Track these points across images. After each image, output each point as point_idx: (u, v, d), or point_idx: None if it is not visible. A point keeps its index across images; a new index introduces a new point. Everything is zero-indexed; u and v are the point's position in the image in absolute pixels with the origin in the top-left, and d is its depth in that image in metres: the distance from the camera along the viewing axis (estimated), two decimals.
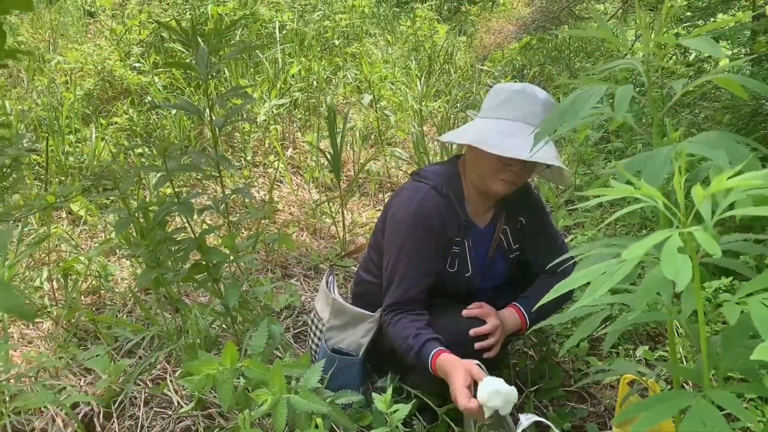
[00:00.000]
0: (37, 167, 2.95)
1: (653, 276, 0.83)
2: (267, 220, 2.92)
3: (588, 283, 0.80)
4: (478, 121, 1.58)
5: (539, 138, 1.00)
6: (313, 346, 1.80)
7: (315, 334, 1.80)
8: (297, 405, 1.28)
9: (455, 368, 1.37)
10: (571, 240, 2.47)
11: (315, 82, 4.15)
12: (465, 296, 1.64)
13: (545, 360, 1.89)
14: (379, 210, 3.24)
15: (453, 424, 1.55)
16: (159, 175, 1.56)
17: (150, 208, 1.72)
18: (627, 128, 3.04)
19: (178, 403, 1.65)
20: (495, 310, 1.57)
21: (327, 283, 1.82)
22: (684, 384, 1.66)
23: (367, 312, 1.69)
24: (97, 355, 1.32)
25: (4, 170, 1.08)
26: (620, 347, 1.92)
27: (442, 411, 1.54)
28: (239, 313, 1.86)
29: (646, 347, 1.88)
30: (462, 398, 1.31)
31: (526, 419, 1.24)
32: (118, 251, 2.44)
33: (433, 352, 1.44)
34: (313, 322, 1.82)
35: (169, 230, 1.76)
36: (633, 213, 2.45)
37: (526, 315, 1.61)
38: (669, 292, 0.88)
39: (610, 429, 1.68)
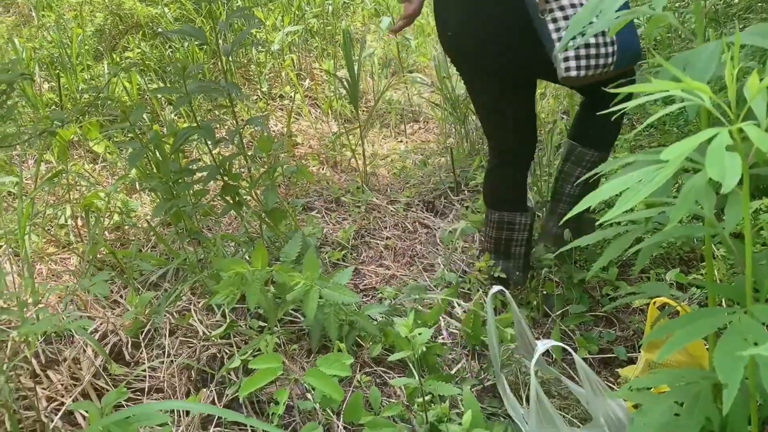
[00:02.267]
0: (53, 106, 2.92)
1: (694, 183, 0.75)
2: (286, 154, 2.87)
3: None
4: None
5: (568, 36, 0.90)
6: None
7: None
8: (328, 296, 1.27)
9: None
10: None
11: (330, 7, 3.96)
12: None
13: (572, 285, 1.85)
14: (401, 141, 3.16)
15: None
16: (177, 96, 1.50)
17: (164, 140, 1.68)
18: (665, 45, 2.84)
19: (203, 332, 1.67)
20: None
21: None
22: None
23: None
24: (105, 281, 1.31)
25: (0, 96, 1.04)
26: (651, 271, 1.86)
27: None
28: (272, 227, 1.84)
29: (678, 270, 1.82)
30: None
31: (543, 344, 1.21)
32: (137, 187, 2.43)
33: None
34: None
35: (185, 163, 1.73)
36: (669, 133, 2.33)
37: None
38: (711, 201, 0.81)
39: (639, 352, 1.66)
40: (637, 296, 1.28)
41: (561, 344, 1.16)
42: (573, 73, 1.46)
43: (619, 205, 0.71)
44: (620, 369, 1.59)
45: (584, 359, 1.47)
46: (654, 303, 1.40)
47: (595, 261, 1.92)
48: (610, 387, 1.36)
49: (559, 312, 1.76)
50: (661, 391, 1.13)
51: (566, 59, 1.46)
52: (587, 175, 1.15)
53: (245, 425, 1.44)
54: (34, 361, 1.60)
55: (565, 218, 0.93)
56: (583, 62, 1.47)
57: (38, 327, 1.09)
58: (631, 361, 1.66)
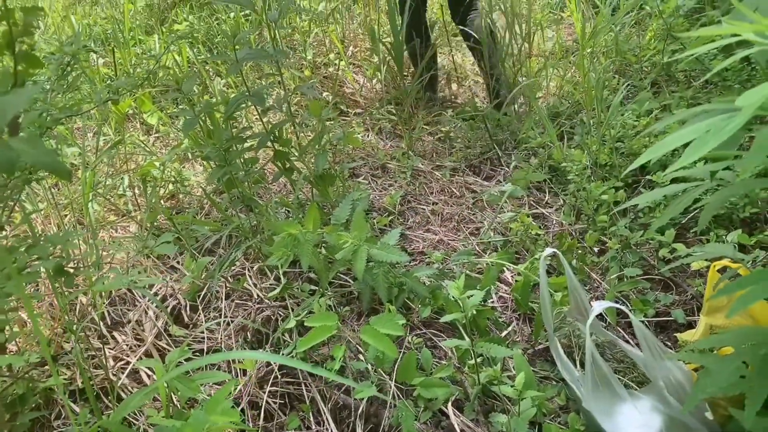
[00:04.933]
0: (108, 81, 3.01)
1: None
2: (331, 122, 2.87)
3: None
4: None
5: None
6: None
7: None
8: (376, 255, 1.28)
9: None
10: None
11: None
12: None
13: (627, 247, 1.80)
14: (447, 107, 3.11)
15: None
16: (228, 65, 1.51)
17: (216, 108, 1.71)
18: None
19: (258, 295, 1.72)
20: None
21: None
22: None
23: None
24: (167, 242, 1.36)
25: (65, 68, 1.08)
26: (711, 233, 1.78)
27: None
28: (322, 192, 1.86)
29: (740, 231, 1.74)
30: None
31: (599, 306, 1.18)
32: (190, 155, 2.49)
33: None
34: None
35: (236, 131, 1.76)
36: (731, 89, 2.20)
37: None
38: None
39: (698, 316, 1.60)
40: (698, 256, 1.23)
41: (617, 305, 1.13)
42: None
43: (687, 156, 0.68)
44: (678, 333, 1.54)
45: (640, 322, 1.44)
46: (714, 266, 1.35)
47: (648, 222, 1.87)
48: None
49: (614, 276, 1.72)
50: (724, 353, 1.09)
51: None
52: None
53: (299, 385, 1.49)
54: (101, 323, 1.69)
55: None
56: None
57: (111, 285, 1.15)
58: (690, 326, 1.61)
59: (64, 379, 1.47)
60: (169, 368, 1.15)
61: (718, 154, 0.80)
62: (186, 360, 1.56)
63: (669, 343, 1.57)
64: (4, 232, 1.12)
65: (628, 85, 2.56)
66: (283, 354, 1.51)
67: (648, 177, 2.06)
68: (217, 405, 0.92)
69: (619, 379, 1.37)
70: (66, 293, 1.46)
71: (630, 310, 1.63)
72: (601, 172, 2.17)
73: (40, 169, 0.97)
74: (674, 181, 1.81)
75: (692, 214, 1.89)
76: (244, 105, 1.62)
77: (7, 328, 1.46)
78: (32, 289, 1.76)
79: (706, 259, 1.60)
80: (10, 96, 0.59)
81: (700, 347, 0.94)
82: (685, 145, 0.71)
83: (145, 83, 2.81)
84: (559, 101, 2.74)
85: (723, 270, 1.34)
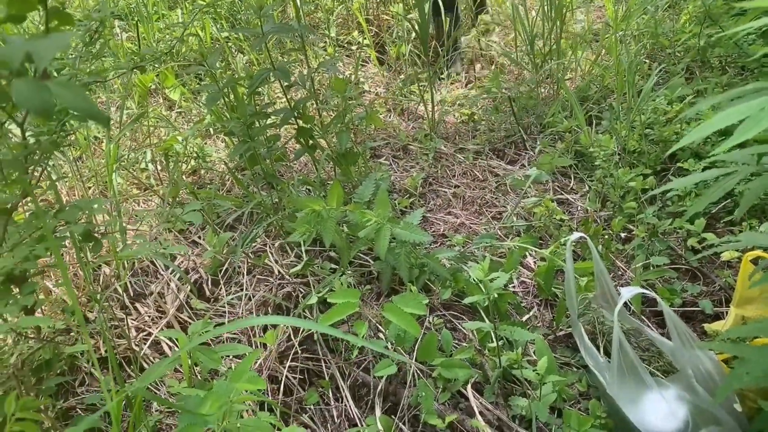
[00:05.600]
0: (131, 56, 3.01)
1: None
2: (353, 101, 2.85)
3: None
4: None
5: None
6: None
7: None
8: (399, 234, 1.27)
9: None
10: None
11: None
12: None
13: (654, 235, 1.76)
14: (471, 89, 3.06)
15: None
16: (253, 38, 1.50)
17: (239, 82, 1.69)
18: None
19: (279, 272, 1.72)
20: None
21: None
22: None
23: None
24: (192, 210, 1.36)
25: (92, 35, 1.07)
26: (743, 223, 1.74)
27: None
28: (344, 170, 1.85)
29: None
30: None
31: (628, 291, 1.16)
32: (212, 131, 2.49)
33: None
34: None
35: (259, 107, 1.75)
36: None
37: None
38: None
39: (727, 307, 1.57)
40: (732, 246, 1.20)
41: (647, 291, 1.11)
42: None
43: (739, 134, 0.65)
44: (705, 324, 1.51)
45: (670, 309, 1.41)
46: (747, 257, 1.31)
47: (679, 210, 1.82)
48: None
49: (640, 264, 1.68)
50: (757, 345, 1.07)
51: None
52: None
53: (318, 362, 1.49)
54: (123, 294, 1.70)
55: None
56: None
57: (136, 252, 1.15)
58: (717, 317, 1.58)
59: (89, 348, 1.49)
60: (192, 339, 1.15)
61: (766, 136, 0.76)
62: (206, 333, 1.57)
63: (696, 334, 1.54)
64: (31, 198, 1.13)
65: (661, 70, 2.50)
66: (303, 330, 1.51)
67: (678, 165, 2.01)
68: (242, 374, 0.92)
69: (645, 367, 1.34)
70: (90, 262, 1.47)
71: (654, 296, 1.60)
72: (629, 159, 2.12)
73: (73, 122, 0.96)
74: (705, 169, 1.76)
75: (723, 204, 1.84)
76: (267, 80, 1.60)
77: (34, 294, 1.48)
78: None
79: (737, 249, 1.56)
80: (48, 39, 0.57)
81: (733, 336, 0.92)
82: (721, 132, 0.68)
83: (168, 56, 2.81)
84: (588, 85, 2.68)
85: (756, 261, 1.30)
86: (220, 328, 0.80)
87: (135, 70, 1.24)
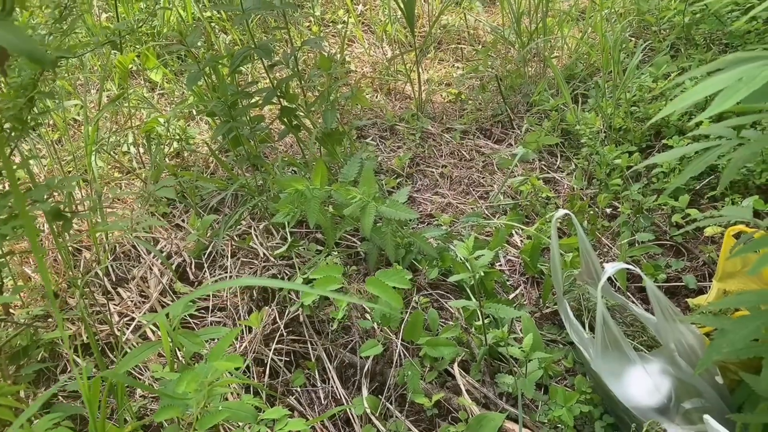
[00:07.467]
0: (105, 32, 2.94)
1: None
2: (339, 80, 2.81)
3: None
4: None
5: None
6: None
7: None
8: (385, 212, 1.26)
9: None
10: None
11: None
12: None
13: (639, 212, 1.76)
14: (458, 67, 3.03)
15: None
16: (234, 15, 1.46)
17: (221, 62, 1.66)
18: None
19: (263, 254, 1.70)
20: None
21: None
22: None
23: None
24: (164, 186, 1.34)
25: (62, 11, 1.04)
26: (726, 199, 1.74)
27: None
28: (330, 150, 1.83)
29: (757, 197, 1.69)
30: None
31: (612, 267, 1.15)
32: (195, 113, 2.45)
33: None
34: None
35: (241, 87, 1.71)
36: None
37: None
38: None
39: (710, 282, 1.58)
40: (715, 220, 1.20)
41: (630, 267, 1.11)
42: None
43: (716, 105, 0.64)
44: (689, 299, 1.52)
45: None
46: (730, 231, 1.31)
47: (663, 186, 1.82)
48: None
49: (625, 240, 1.69)
50: (738, 317, 1.07)
51: None
52: None
53: (304, 343, 1.48)
54: (105, 279, 1.68)
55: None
56: None
57: (113, 226, 1.13)
58: (700, 292, 1.59)
59: (69, 334, 1.47)
60: (174, 322, 1.14)
61: (744, 108, 0.75)
62: (189, 317, 1.56)
63: (679, 309, 1.55)
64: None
65: (646, 47, 2.48)
66: (289, 312, 1.50)
67: (663, 142, 2.01)
68: (220, 353, 0.91)
69: (629, 342, 1.35)
70: (67, 244, 1.44)
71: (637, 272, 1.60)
72: (615, 136, 2.12)
73: (49, 103, 0.93)
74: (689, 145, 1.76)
75: (706, 180, 1.84)
76: (249, 59, 1.57)
77: (11, 281, 1.46)
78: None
79: (720, 225, 1.57)
80: None
81: (714, 309, 0.92)
82: (703, 107, 0.67)
83: (149, 37, 2.75)
84: (575, 63, 2.66)
85: (738, 235, 1.31)
86: (184, 297, 0.79)
87: (110, 47, 1.21)
